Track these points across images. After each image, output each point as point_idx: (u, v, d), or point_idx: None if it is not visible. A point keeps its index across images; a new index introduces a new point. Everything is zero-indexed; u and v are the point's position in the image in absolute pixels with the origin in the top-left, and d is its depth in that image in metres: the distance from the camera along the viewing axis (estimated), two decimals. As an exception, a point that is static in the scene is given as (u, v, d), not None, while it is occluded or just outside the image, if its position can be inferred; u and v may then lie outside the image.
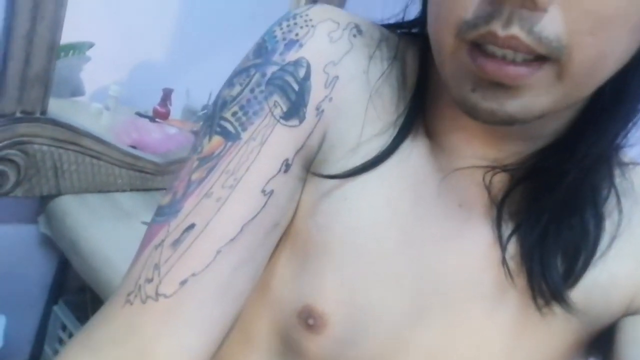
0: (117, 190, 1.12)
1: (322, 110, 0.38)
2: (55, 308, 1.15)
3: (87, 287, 1.07)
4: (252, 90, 0.37)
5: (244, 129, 0.37)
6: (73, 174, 1.04)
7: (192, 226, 0.35)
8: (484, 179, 0.39)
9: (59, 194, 1.05)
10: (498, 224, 0.39)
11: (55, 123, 0.98)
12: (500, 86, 0.31)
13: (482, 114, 0.32)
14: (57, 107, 0.98)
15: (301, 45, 0.38)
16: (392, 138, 0.39)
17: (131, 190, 1.14)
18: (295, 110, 0.37)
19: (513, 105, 0.31)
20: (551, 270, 0.38)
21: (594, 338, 0.41)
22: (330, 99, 0.38)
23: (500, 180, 0.39)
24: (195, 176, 0.36)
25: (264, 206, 0.36)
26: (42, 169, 1.00)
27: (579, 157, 0.37)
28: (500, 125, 0.33)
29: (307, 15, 0.39)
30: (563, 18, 0.29)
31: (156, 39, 1.40)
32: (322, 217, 0.39)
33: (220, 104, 0.38)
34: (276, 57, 0.38)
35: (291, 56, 0.38)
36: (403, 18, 0.43)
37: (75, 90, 1.27)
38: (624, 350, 0.37)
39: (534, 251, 0.38)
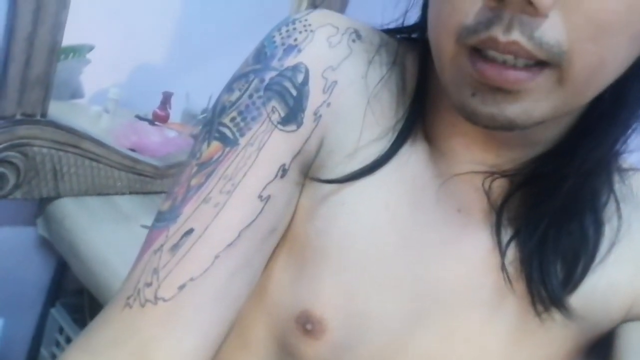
0: (116, 193, 1.12)
1: (320, 116, 0.38)
2: (53, 311, 1.15)
3: (85, 290, 1.07)
4: (250, 96, 0.37)
5: (242, 135, 0.37)
6: (72, 176, 1.04)
7: (190, 231, 0.35)
8: (483, 184, 0.39)
9: (58, 196, 1.05)
10: (497, 230, 0.39)
11: (56, 125, 0.98)
12: (500, 91, 0.31)
13: (482, 118, 0.32)
14: (56, 110, 0.98)
15: (300, 51, 0.38)
16: (390, 143, 0.39)
17: (130, 193, 1.14)
18: (293, 115, 0.37)
19: (513, 110, 0.31)
20: (550, 276, 0.38)
21: (592, 344, 0.41)
22: (329, 104, 0.38)
23: (499, 186, 0.39)
24: (194, 182, 0.36)
25: (261, 211, 0.36)
26: (42, 171, 0.99)
27: (578, 163, 0.37)
28: (500, 130, 0.33)
29: (306, 20, 0.39)
30: (564, 24, 0.29)
31: (156, 42, 1.40)
32: (320, 221, 0.39)
33: (219, 110, 0.38)
34: (275, 63, 0.38)
35: (290, 61, 0.38)
36: (403, 23, 0.43)
37: (75, 93, 1.27)
38: (623, 357, 0.37)
39: (533, 257, 0.38)
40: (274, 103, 0.37)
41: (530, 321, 0.39)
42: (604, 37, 0.29)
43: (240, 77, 0.38)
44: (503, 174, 0.39)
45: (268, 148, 0.37)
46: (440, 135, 0.40)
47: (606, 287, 0.39)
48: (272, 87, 0.37)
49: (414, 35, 0.43)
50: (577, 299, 0.38)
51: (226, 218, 0.36)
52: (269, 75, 0.37)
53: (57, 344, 1.13)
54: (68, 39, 0.93)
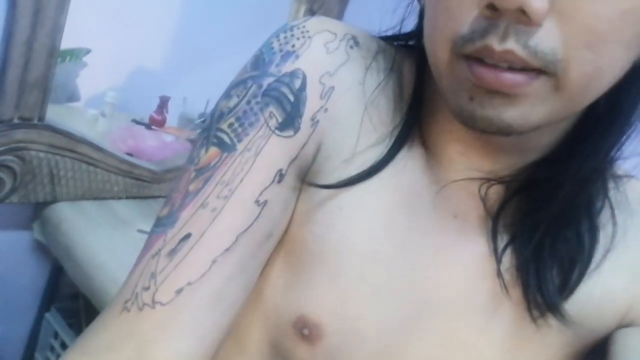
0: (113, 198, 1.12)
1: (317, 121, 0.38)
2: (48, 315, 1.14)
3: (81, 295, 1.06)
4: (248, 102, 0.37)
5: (240, 140, 0.37)
6: (69, 180, 1.04)
7: (188, 236, 0.35)
8: (479, 190, 0.39)
9: (54, 200, 1.04)
10: (493, 236, 0.39)
11: (53, 129, 0.97)
12: (498, 94, 0.31)
13: (479, 122, 0.32)
14: (53, 113, 0.98)
15: (297, 57, 0.38)
16: (387, 149, 0.39)
17: (127, 197, 1.14)
18: (290, 121, 0.37)
19: (510, 114, 0.31)
20: (546, 282, 0.38)
21: (588, 350, 0.41)
22: (326, 110, 0.38)
23: (495, 192, 0.40)
24: (192, 187, 0.37)
25: (257, 216, 0.37)
26: (39, 175, 0.99)
27: (574, 170, 0.37)
28: (497, 134, 0.33)
29: (304, 26, 0.39)
30: (558, 32, 0.29)
31: (153, 46, 1.40)
32: (317, 226, 0.39)
33: (218, 116, 0.38)
34: (272, 69, 0.38)
35: (287, 67, 0.38)
36: (400, 30, 0.43)
37: (71, 96, 1.27)
38: None
39: (529, 263, 0.39)
40: (271, 109, 0.37)
41: (526, 327, 0.39)
42: (599, 45, 0.30)
43: (239, 83, 0.39)
44: (499, 181, 0.39)
45: (265, 153, 0.37)
46: (436, 142, 0.40)
47: (602, 294, 0.40)
48: (270, 93, 0.37)
49: (411, 43, 0.44)
50: (573, 305, 0.39)
51: (223, 223, 0.36)
52: (266, 82, 0.38)
53: (52, 349, 1.12)
54: (65, 42, 0.93)
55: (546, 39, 0.29)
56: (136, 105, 1.35)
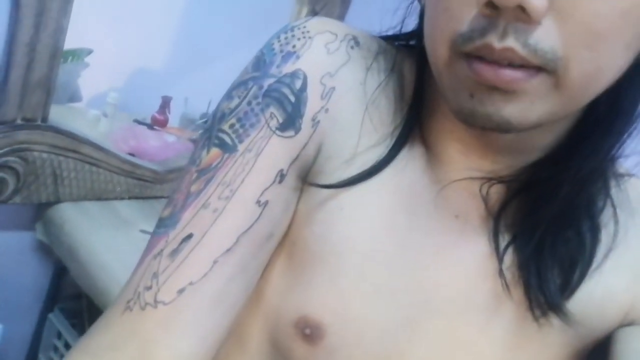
0: (115, 198, 1.12)
1: (318, 121, 0.38)
2: (51, 316, 1.14)
3: (84, 295, 1.07)
4: (249, 103, 0.38)
5: (241, 141, 0.37)
6: (72, 181, 1.04)
7: (189, 236, 0.35)
8: (480, 190, 0.39)
9: (57, 201, 1.05)
10: (495, 236, 0.39)
11: (56, 130, 0.98)
12: (497, 90, 0.31)
13: (479, 119, 0.32)
14: (54, 113, 0.98)
15: (298, 57, 0.38)
16: (388, 149, 0.39)
17: (130, 198, 1.14)
18: (291, 121, 0.38)
19: (509, 110, 0.32)
20: (548, 281, 0.38)
21: (590, 349, 0.41)
22: (327, 110, 0.39)
23: (496, 192, 0.40)
24: (193, 188, 0.37)
25: (258, 217, 0.37)
26: (42, 176, 1.00)
27: (574, 169, 0.37)
28: (496, 131, 0.33)
29: (304, 27, 0.39)
30: (558, 31, 0.29)
31: (155, 47, 1.41)
32: (318, 226, 0.39)
33: (219, 117, 0.38)
34: (273, 70, 0.38)
35: (288, 68, 0.38)
36: (400, 30, 0.43)
37: (73, 97, 1.27)
38: None
39: (531, 262, 0.39)
40: (272, 109, 0.37)
41: (528, 327, 0.39)
42: (598, 44, 0.30)
43: (240, 84, 0.39)
44: (500, 180, 0.39)
45: (266, 154, 0.37)
46: (437, 142, 0.40)
47: (603, 293, 0.40)
48: (271, 93, 0.38)
49: (411, 43, 0.44)
50: (575, 305, 0.39)
51: (224, 224, 0.36)
52: (267, 82, 0.38)
53: (55, 349, 1.13)
54: (67, 42, 0.93)
55: (545, 37, 0.29)
56: (138, 106, 1.35)
